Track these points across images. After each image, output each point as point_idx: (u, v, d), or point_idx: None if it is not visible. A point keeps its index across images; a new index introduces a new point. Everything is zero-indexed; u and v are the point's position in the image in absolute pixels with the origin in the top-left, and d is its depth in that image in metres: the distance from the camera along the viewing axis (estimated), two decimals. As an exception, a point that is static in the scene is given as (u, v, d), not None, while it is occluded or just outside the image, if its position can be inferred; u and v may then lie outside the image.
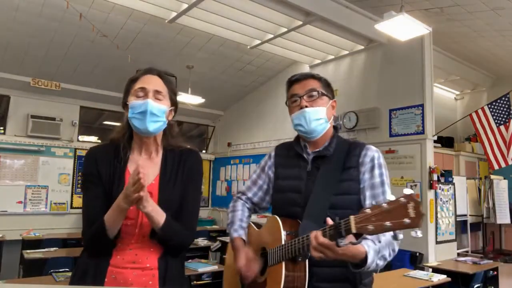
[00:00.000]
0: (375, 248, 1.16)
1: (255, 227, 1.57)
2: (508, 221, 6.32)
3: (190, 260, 3.95)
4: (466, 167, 6.76)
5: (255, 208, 1.62)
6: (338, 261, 1.17)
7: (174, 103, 1.36)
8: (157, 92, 1.29)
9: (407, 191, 0.99)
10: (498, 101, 5.10)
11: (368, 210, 1.01)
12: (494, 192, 6.30)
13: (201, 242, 5.28)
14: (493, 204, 6.27)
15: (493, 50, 5.94)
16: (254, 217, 1.99)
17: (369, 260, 1.13)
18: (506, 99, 5.06)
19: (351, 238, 1.07)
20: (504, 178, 6.56)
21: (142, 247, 1.24)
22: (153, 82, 1.30)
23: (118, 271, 1.21)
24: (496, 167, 5.08)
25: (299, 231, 1.28)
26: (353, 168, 1.38)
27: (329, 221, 1.11)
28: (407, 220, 0.96)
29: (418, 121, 4.92)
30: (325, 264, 1.22)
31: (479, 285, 3.98)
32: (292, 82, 1.49)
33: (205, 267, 3.69)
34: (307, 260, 1.26)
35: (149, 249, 1.25)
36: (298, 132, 1.49)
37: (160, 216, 1.20)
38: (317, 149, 1.44)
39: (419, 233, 0.97)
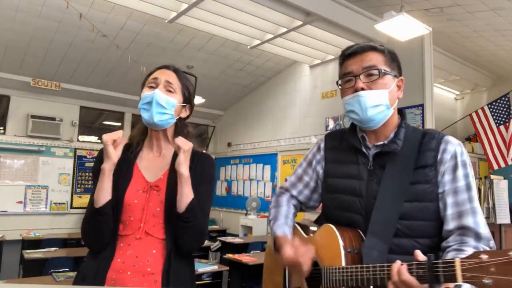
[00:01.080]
0: None
1: (302, 232, 1.30)
2: (508, 221, 6.31)
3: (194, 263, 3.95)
4: (466, 167, 6.76)
5: (301, 206, 1.36)
6: None
7: (187, 100, 1.34)
8: (168, 83, 1.28)
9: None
10: (498, 101, 5.10)
11: (483, 255, 0.74)
12: (494, 192, 6.29)
13: (201, 242, 5.26)
14: (493, 204, 6.27)
15: (493, 50, 5.94)
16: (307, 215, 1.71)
17: None
18: (506, 99, 5.07)
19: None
20: (504, 178, 6.55)
21: (144, 248, 1.21)
22: (166, 74, 1.30)
23: (117, 276, 1.18)
24: (496, 167, 5.08)
25: (363, 251, 1.03)
26: (429, 167, 1.09)
27: (419, 255, 0.86)
28: None
29: (418, 121, 4.92)
30: None
31: None
32: (347, 56, 1.17)
33: (205, 267, 3.69)
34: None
35: (151, 251, 1.21)
36: (351, 120, 1.19)
37: (191, 190, 1.20)
38: (380, 142, 1.15)
39: None
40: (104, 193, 1.18)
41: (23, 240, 5.03)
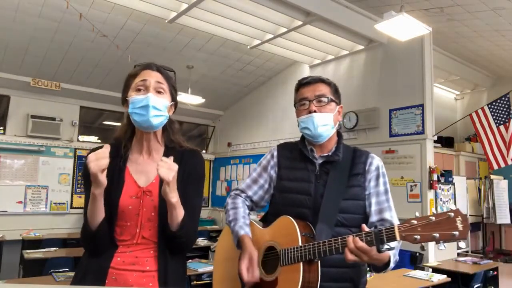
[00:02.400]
0: (393, 253, 1.26)
1: (258, 226, 1.55)
2: (508, 221, 6.32)
3: (190, 260, 3.95)
4: (466, 167, 6.76)
5: (253, 206, 1.61)
6: (343, 262, 1.26)
7: (174, 98, 1.35)
8: (158, 85, 1.28)
9: (453, 206, 1.07)
10: (498, 101, 5.10)
11: (413, 221, 1.11)
12: (494, 192, 6.30)
13: (201, 242, 5.28)
14: (493, 204, 6.27)
15: (493, 50, 5.94)
16: (253, 217, 1.98)
17: (391, 263, 1.26)
18: (506, 99, 5.06)
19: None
20: (504, 178, 6.57)
21: (142, 249, 1.23)
22: (153, 76, 1.29)
23: (118, 273, 1.20)
24: (495, 167, 5.08)
25: (316, 234, 1.34)
26: (360, 175, 1.44)
27: (365, 227, 1.19)
28: (455, 232, 1.06)
29: (418, 121, 4.92)
30: (332, 265, 1.33)
31: (479, 285, 3.98)
32: (302, 85, 1.51)
33: (205, 267, 3.69)
34: (319, 261, 1.32)
35: (149, 251, 1.24)
36: (304, 135, 1.51)
37: (181, 211, 1.20)
38: (325, 154, 1.48)
39: (444, 246, 1.10)
40: (99, 215, 1.19)
41: (23, 240, 5.04)
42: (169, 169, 1.14)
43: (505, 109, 5.04)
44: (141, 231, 1.23)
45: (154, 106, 1.24)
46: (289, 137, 6.87)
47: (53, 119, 6.65)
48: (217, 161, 8.70)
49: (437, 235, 1.07)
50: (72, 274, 3.00)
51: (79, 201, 6.91)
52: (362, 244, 1.16)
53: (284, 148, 1.59)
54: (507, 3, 4.41)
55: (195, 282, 3.79)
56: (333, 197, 1.39)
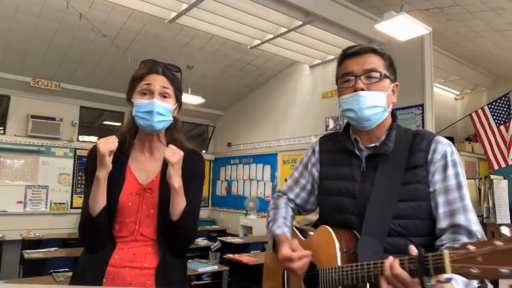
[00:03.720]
0: None
1: (300, 235, 1.31)
2: (508, 221, 6.31)
3: (190, 260, 3.95)
4: (466, 167, 6.76)
5: (299, 209, 1.37)
6: None
7: (178, 100, 1.37)
8: (163, 89, 1.29)
9: None
10: (498, 101, 5.10)
11: (471, 247, 0.78)
12: (494, 192, 6.29)
13: (201, 242, 5.27)
14: (493, 204, 6.27)
15: (493, 50, 5.94)
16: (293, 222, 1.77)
17: None
18: (506, 99, 5.07)
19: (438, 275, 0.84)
20: (504, 178, 6.56)
21: (140, 245, 1.24)
22: (159, 80, 1.30)
23: (116, 271, 1.21)
24: (496, 167, 5.08)
25: (359, 250, 1.06)
26: (420, 167, 1.11)
27: (412, 250, 0.88)
28: None
29: (418, 121, 4.92)
30: None
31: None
32: (348, 55, 1.19)
33: (205, 267, 3.69)
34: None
35: (147, 248, 1.24)
36: (347, 119, 1.21)
37: (183, 199, 1.22)
38: (373, 144, 1.17)
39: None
40: (100, 201, 1.20)
41: (23, 240, 5.03)
42: (174, 152, 1.19)
43: (505, 109, 5.05)
44: (140, 228, 1.24)
45: (158, 112, 1.25)
46: (289, 137, 6.87)
47: (53, 119, 6.65)
48: (217, 161, 8.70)
49: (506, 271, 0.72)
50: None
51: (79, 201, 6.91)
52: (401, 271, 0.87)
53: (327, 140, 1.32)
54: (507, 3, 4.41)
55: (195, 282, 3.79)
56: (383, 199, 1.10)
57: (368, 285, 0.99)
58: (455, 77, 6.89)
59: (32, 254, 3.88)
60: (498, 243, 0.75)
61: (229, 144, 8.33)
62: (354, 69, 1.15)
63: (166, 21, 4.81)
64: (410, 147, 1.14)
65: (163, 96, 1.29)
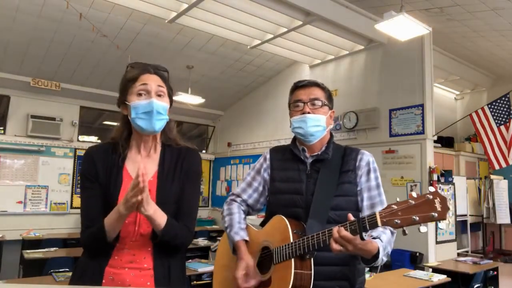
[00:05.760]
0: (383, 245, 1.26)
1: (253, 227, 1.59)
2: (508, 221, 6.32)
3: (190, 260, 3.95)
4: (466, 167, 6.76)
5: (249, 210, 1.64)
6: (338, 260, 1.33)
7: (171, 98, 1.37)
8: (159, 88, 1.29)
9: (431, 188, 1.12)
10: (498, 101, 5.10)
11: (394, 206, 1.12)
12: (494, 192, 6.30)
13: (201, 242, 5.28)
14: (493, 204, 6.27)
15: (493, 50, 5.94)
16: (253, 217, 1.98)
17: (380, 255, 1.23)
18: (506, 99, 5.06)
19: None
20: (504, 178, 6.57)
21: (139, 246, 1.24)
22: (154, 80, 1.30)
23: (116, 272, 1.20)
24: (497, 167, 5.08)
25: (307, 230, 1.35)
26: (351, 171, 1.47)
27: (351, 217, 1.19)
28: (434, 214, 1.07)
29: (418, 121, 4.92)
30: (326, 263, 1.35)
31: (479, 285, 3.98)
32: (298, 87, 1.54)
33: (205, 267, 3.69)
34: (312, 258, 1.32)
35: (147, 249, 1.24)
36: (296, 135, 1.55)
37: (161, 218, 1.19)
38: (316, 153, 1.51)
39: (424, 229, 1.10)
40: (117, 231, 1.20)
41: (23, 240, 5.04)
42: (135, 190, 1.11)
43: (505, 109, 5.04)
44: (139, 229, 1.24)
45: (158, 111, 1.26)
46: (289, 137, 6.86)
47: (53, 119, 6.65)
48: (217, 161, 8.70)
49: (416, 218, 1.08)
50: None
51: (79, 201, 6.91)
52: (345, 233, 1.17)
53: (277, 151, 1.64)
54: (507, 3, 4.41)
55: (195, 282, 3.79)
56: (324, 195, 1.42)
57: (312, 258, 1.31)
58: (455, 77, 6.89)
59: (32, 254, 3.88)
60: (411, 201, 1.10)
61: (229, 144, 8.33)
62: (303, 98, 1.51)
63: (166, 21, 4.81)
64: (342, 156, 1.51)
65: (159, 95, 1.29)
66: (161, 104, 1.27)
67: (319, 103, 1.50)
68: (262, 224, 1.58)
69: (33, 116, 6.46)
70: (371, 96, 5.49)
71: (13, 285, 1.56)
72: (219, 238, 5.33)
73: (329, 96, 1.56)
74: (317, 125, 1.48)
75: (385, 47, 5.43)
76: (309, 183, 1.46)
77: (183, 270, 1.35)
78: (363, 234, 1.16)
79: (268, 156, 1.63)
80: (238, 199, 1.62)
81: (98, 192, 1.25)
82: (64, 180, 6.83)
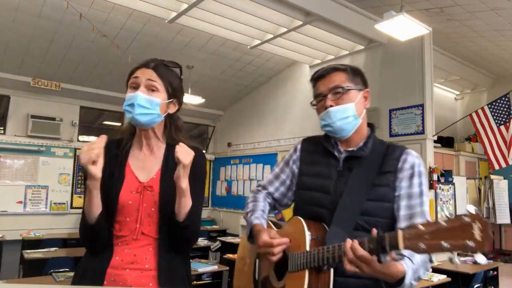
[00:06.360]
0: (413, 268, 1.06)
1: (273, 227, 1.43)
2: (508, 221, 6.32)
3: (190, 260, 3.94)
4: (466, 167, 6.76)
5: (275, 204, 1.48)
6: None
7: (172, 95, 1.33)
8: (150, 82, 1.26)
9: (471, 208, 0.90)
10: (498, 101, 5.10)
11: (420, 226, 0.91)
12: (494, 192, 6.30)
13: (201, 242, 5.28)
14: (493, 204, 6.27)
15: (493, 50, 5.93)
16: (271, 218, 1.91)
17: (407, 281, 1.04)
18: (506, 99, 5.06)
19: (392, 254, 0.98)
20: (504, 178, 6.56)
21: (141, 246, 1.23)
22: (145, 73, 1.28)
23: (117, 273, 1.20)
24: (497, 167, 5.08)
25: (326, 238, 1.18)
26: (390, 173, 1.26)
27: (374, 233, 1.00)
28: (470, 243, 0.85)
29: (418, 121, 4.93)
30: (351, 275, 1.08)
31: (479, 285, 3.98)
32: (316, 79, 1.36)
33: (205, 267, 3.69)
34: (332, 270, 1.15)
35: (148, 249, 1.23)
36: (326, 133, 1.37)
37: (189, 199, 1.20)
38: (351, 148, 1.32)
39: (457, 261, 0.93)
40: (94, 209, 1.18)
41: (23, 240, 5.03)
42: (187, 153, 1.17)
43: (505, 109, 5.04)
44: (140, 227, 1.22)
45: (139, 104, 1.22)
46: (289, 137, 6.87)
47: (53, 119, 6.65)
48: (217, 161, 8.70)
49: (447, 244, 0.87)
50: (72, 274, 3.01)
51: (79, 201, 6.91)
52: (362, 252, 0.98)
53: (309, 142, 1.46)
54: (507, 3, 4.41)
55: (195, 282, 3.79)
56: (354, 197, 1.23)
57: (332, 270, 1.13)
58: (455, 77, 6.88)
59: (32, 254, 3.88)
60: (442, 222, 0.89)
61: (229, 144, 8.33)
62: (322, 90, 1.32)
63: (166, 21, 4.81)
64: (384, 154, 1.29)
65: (151, 89, 1.26)
66: (146, 97, 1.24)
67: (341, 90, 1.29)
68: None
69: (33, 116, 6.47)
70: (371, 96, 5.38)
71: (13, 285, 1.56)
72: (219, 238, 5.33)
73: (354, 75, 1.34)
74: (345, 116, 1.28)
75: (385, 47, 5.43)
76: (340, 182, 1.27)
77: (187, 269, 1.33)
78: (382, 256, 0.97)
79: (299, 147, 1.46)
80: (264, 191, 1.47)
81: (99, 189, 1.24)
82: (64, 180, 6.83)
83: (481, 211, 6.42)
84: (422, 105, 4.90)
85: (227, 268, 3.88)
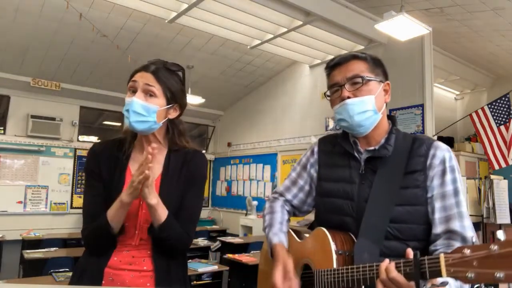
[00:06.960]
0: None
1: (295, 236, 1.29)
2: (508, 221, 6.31)
3: (190, 260, 3.95)
4: (466, 167, 6.76)
5: (294, 211, 1.35)
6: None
7: (172, 100, 1.27)
8: (148, 87, 1.21)
9: (501, 235, 0.76)
10: (498, 101, 5.10)
11: (466, 251, 0.76)
12: (494, 192, 6.29)
13: (201, 242, 5.27)
14: (493, 204, 6.26)
15: (493, 50, 5.93)
16: (293, 222, 1.68)
17: None
18: (506, 99, 5.06)
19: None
20: (504, 178, 6.56)
21: (139, 249, 1.23)
22: (144, 77, 1.22)
23: (115, 273, 1.20)
24: (496, 167, 5.08)
25: (355, 253, 1.05)
26: (419, 172, 1.11)
27: (410, 253, 0.87)
28: None
29: (418, 121, 4.93)
30: None
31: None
32: (331, 67, 1.23)
33: (205, 267, 3.69)
34: None
35: (146, 251, 1.23)
36: (342, 128, 1.23)
37: (162, 212, 1.17)
38: (372, 147, 1.17)
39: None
40: (122, 220, 1.19)
41: (23, 240, 5.03)
42: (141, 173, 1.10)
43: (505, 109, 5.04)
44: (139, 233, 1.22)
45: (135, 111, 1.19)
46: (289, 137, 6.87)
47: (53, 119, 6.65)
48: (217, 161, 8.70)
49: (501, 275, 0.69)
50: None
51: (79, 201, 6.91)
52: (396, 275, 0.86)
53: (326, 142, 1.31)
54: (507, 3, 4.41)
55: (195, 282, 3.79)
56: (381, 203, 1.09)
57: None
58: (455, 77, 6.88)
59: (32, 254, 3.88)
60: (494, 247, 0.73)
61: (229, 144, 8.33)
62: (338, 79, 1.17)
63: (166, 21, 4.81)
64: (409, 151, 1.14)
65: (149, 94, 1.22)
66: (142, 104, 1.19)
67: (360, 80, 1.13)
68: (311, 227, 1.31)
69: (33, 116, 6.47)
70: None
71: (13, 285, 1.56)
72: (219, 238, 5.33)
73: (376, 65, 1.18)
74: (363, 110, 1.12)
75: (385, 47, 5.43)
76: (363, 186, 1.14)
77: (184, 271, 1.33)
78: (421, 284, 0.83)
79: (316, 149, 1.31)
80: (281, 198, 1.34)
81: (101, 190, 1.24)
82: (64, 180, 6.83)
83: (481, 211, 6.42)
84: (422, 105, 4.90)
85: (227, 268, 3.88)
